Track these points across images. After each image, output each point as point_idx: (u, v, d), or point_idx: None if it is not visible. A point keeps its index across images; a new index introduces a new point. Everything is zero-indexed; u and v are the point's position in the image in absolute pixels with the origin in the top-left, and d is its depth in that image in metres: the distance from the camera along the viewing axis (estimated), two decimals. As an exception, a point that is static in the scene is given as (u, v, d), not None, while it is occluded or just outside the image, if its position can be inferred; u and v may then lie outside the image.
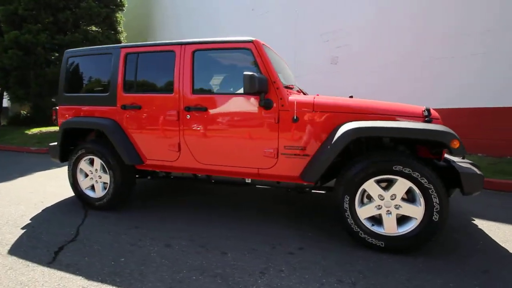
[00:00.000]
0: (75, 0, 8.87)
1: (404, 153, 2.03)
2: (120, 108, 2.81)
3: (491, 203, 3.17)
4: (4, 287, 1.72)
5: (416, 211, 1.99)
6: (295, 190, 2.58)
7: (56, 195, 3.54)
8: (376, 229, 2.10)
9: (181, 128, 2.62)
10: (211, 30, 8.74)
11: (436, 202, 1.92)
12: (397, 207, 2.04)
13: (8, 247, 2.21)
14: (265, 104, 2.31)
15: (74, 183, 3.06)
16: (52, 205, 3.19)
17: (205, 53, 2.58)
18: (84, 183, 3.05)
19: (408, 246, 2.02)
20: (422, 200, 1.96)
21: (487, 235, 2.39)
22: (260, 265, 1.94)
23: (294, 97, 2.39)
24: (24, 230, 2.53)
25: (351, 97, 2.65)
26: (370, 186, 2.07)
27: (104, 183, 2.97)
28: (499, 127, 4.75)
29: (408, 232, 2.01)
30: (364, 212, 2.10)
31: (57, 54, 9.26)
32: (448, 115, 4.19)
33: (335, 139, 2.07)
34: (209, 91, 2.60)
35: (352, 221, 2.11)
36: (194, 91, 2.57)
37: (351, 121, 2.19)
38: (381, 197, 2.06)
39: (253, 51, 2.40)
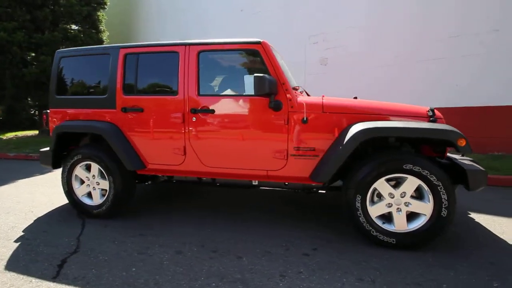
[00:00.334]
0: (54, -3, 8.46)
1: (413, 152, 2.10)
2: (120, 111, 2.70)
3: (482, 198, 3.35)
4: (8, 306, 1.60)
5: (425, 208, 2.06)
6: (303, 190, 2.60)
7: (46, 204, 3.34)
8: (387, 226, 2.15)
9: (186, 131, 2.56)
10: (199, 31, 8.62)
11: (444, 199, 2.00)
12: (407, 204, 2.11)
13: (4, 262, 2.05)
14: (275, 106, 2.31)
15: (69, 191, 2.90)
16: (44, 215, 3.00)
17: (211, 54, 2.54)
18: (80, 191, 2.89)
19: (418, 242, 2.09)
20: (431, 197, 2.04)
21: (485, 228, 2.52)
22: (278, 268, 1.93)
23: (303, 98, 2.41)
24: (19, 243, 2.36)
25: (355, 98, 2.71)
26: (381, 185, 2.12)
27: (102, 189, 2.83)
28: (482, 125, 5.05)
29: (418, 228, 2.08)
30: (375, 211, 2.15)
31: (33, 54, 8.76)
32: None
33: (346, 139, 2.11)
34: (216, 93, 2.55)
35: (364, 220, 2.15)
36: (200, 93, 2.52)
37: (359, 122, 2.24)
38: (391, 195, 2.12)
39: (261, 52, 2.39)
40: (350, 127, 2.19)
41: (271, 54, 2.38)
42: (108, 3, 9.84)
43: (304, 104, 2.31)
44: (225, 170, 2.55)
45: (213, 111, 2.48)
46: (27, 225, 2.72)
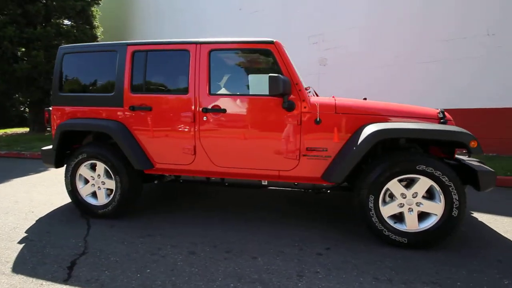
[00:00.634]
0: (47, -9, 8.22)
1: (425, 154, 2.14)
2: (128, 109, 2.65)
3: (480, 197, 3.44)
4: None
5: (437, 208, 2.11)
6: (312, 191, 2.61)
7: (45, 204, 3.25)
8: (398, 226, 2.18)
9: (196, 130, 2.53)
10: (197, 30, 8.53)
11: (455, 199, 2.04)
12: (418, 204, 2.14)
13: (10, 265, 1.98)
14: (288, 106, 2.31)
15: (73, 190, 2.82)
16: (45, 215, 2.91)
17: (223, 53, 2.52)
18: (84, 190, 2.82)
19: (429, 241, 2.13)
20: (442, 197, 2.08)
21: (488, 227, 2.59)
22: (294, 267, 1.94)
23: (315, 99, 2.42)
24: (23, 244, 2.29)
25: (365, 99, 2.74)
26: (394, 185, 2.15)
27: (108, 189, 2.77)
28: (476, 126, 5.19)
29: (429, 228, 2.12)
30: (387, 211, 2.18)
31: (24, 49, 8.49)
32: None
33: (361, 140, 2.13)
34: (228, 92, 2.53)
35: (377, 220, 2.17)
36: (211, 92, 2.49)
37: (371, 123, 2.26)
38: (404, 196, 2.15)
39: (274, 52, 2.38)
40: (364, 128, 2.21)
41: (284, 54, 2.38)
42: (103, -1, 9.64)
43: (318, 105, 2.32)
44: (235, 170, 2.53)
45: (224, 110, 2.46)
46: (29, 226, 2.64)
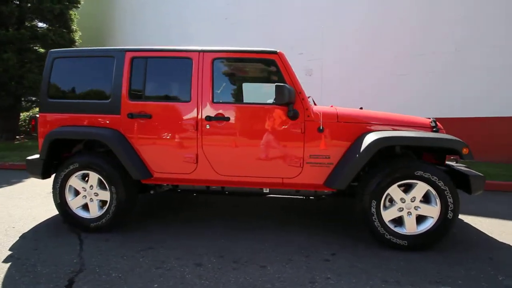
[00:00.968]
0: (22, -9, 7.77)
1: (422, 160, 2.28)
2: (126, 117, 2.55)
3: (462, 200, 3.69)
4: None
5: (433, 211, 2.24)
6: (314, 197, 2.66)
7: (26, 218, 3.00)
8: (398, 229, 2.28)
9: (199, 139, 2.49)
10: (181, 36, 8.48)
11: (450, 202, 2.19)
12: (416, 208, 2.26)
13: (-1, 286, 1.80)
14: (293, 115, 2.36)
15: (62, 203, 2.63)
16: (29, 231, 2.69)
17: (226, 61, 2.53)
18: (74, 202, 2.65)
19: (427, 242, 2.24)
20: (438, 201, 2.22)
21: (474, 228, 2.79)
22: (305, 274, 1.95)
23: (317, 108, 2.50)
24: (9, 263, 2.09)
25: (361, 108, 2.87)
26: (394, 190, 2.26)
27: (101, 201, 2.63)
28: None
29: (427, 230, 2.24)
30: (388, 215, 2.28)
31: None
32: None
33: (363, 147, 2.22)
34: (231, 101, 2.54)
35: (379, 224, 2.26)
36: (215, 100, 2.49)
37: (371, 131, 2.38)
38: (403, 200, 2.27)
39: (277, 62, 2.44)
40: (364, 136, 2.31)
41: (287, 64, 2.45)
42: (82, 2, 9.28)
43: (321, 114, 2.40)
44: (238, 178, 2.52)
45: (228, 118, 2.46)
46: (12, 243, 2.42)
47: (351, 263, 2.10)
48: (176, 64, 2.56)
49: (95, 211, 2.62)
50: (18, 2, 7.75)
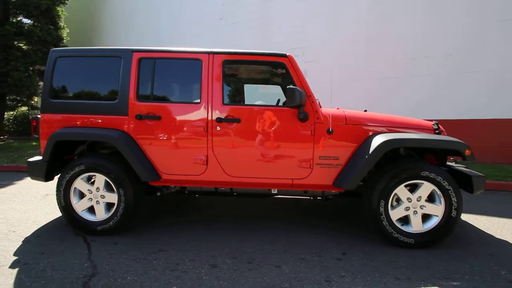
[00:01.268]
0: (7, -13, 7.45)
1: (427, 161, 2.38)
2: (135, 118, 2.52)
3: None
4: None
5: (438, 210, 2.33)
6: (321, 197, 2.72)
7: (26, 222, 2.91)
8: (405, 228, 2.37)
9: (209, 140, 2.50)
10: (174, 35, 8.39)
11: (454, 201, 2.29)
12: (422, 207, 2.36)
13: (10, 294, 1.75)
14: (304, 117, 2.41)
15: (67, 206, 2.57)
16: (31, 235, 2.61)
17: (236, 63, 2.55)
18: (79, 205, 2.59)
19: (433, 240, 2.34)
20: (442, 200, 2.32)
21: (471, 225, 2.92)
22: (320, 273, 1.99)
23: (326, 110, 2.55)
24: (17, 268, 2.03)
25: (365, 111, 2.95)
26: (401, 190, 2.34)
27: (108, 203, 2.58)
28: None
29: (432, 228, 2.33)
30: (395, 214, 2.36)
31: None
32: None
33: (373, 149, 2.29)
34: (242, 102, 2.55)
35: (387, 223, 2.34)
36: (225, 102, 2.49)
37: (378, 133, 2.45)
38: (409, 200, 2.35)
39: (287, 66, 2.48)
40: (373, 138, 2.39)
41: (297, 67, 2.49)
42: (69, -1, 9.03)
43: (330, 116, 2.45)
44: (249, 180, 2.54)
45: (239, 120, 2.47)
46: (16, 248, 2.34)
47: (363, 262, 2.16)
48: (186, 66, 2.55)
49: (101, 214, 2.57)
50: (4, -3, 7.44)
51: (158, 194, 2.84)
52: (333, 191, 2.59)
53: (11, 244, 2.41)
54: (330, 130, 2.45)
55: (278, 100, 3.21)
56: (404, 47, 6.31)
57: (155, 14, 9.06)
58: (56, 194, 2.58)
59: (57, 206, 3.37)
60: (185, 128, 2.52)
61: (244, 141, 2.49)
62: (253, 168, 2.51)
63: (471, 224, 2.95)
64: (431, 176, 2.28)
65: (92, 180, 2.63)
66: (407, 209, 2.36)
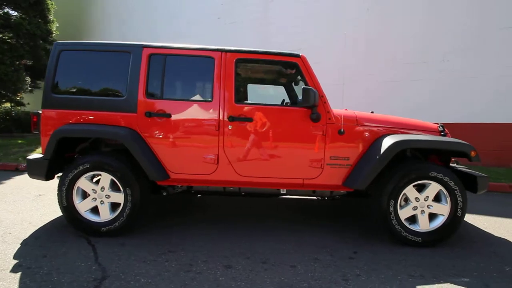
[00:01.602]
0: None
1: (433, 162, 2.45)
2: (144, 115, 2.45)
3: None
4: None
5: (444, 209, 2.40)
6: (328, 197, 2.74)
7: (21, 223, 2.76)
8: (413, 227, 2.43)
9: (221, 139, 2.46)
10: (172, 33, 8.26)
11: (460, 200, 2.37)
12: (429, 207, 2.42)
13: (17, 298, 1.64)
14: (317, 117, 2.42)
15: (69, 206, 2.46)
16: (29, 237, 2.48)
17: (248, 62, 2.53)
18: (83, 206, 2.48)
19: (439, 239, 2.41)
20: (448, 199, 2.39)
21: (471, 225, 3.03)
22: (336, 272, 2.00)
23: (338, 111, 2.58)
24: (19, 272, 1.92)
25: (372, 112, 3.00)
26: (410, 190, 2.40)
27: (113, 203, 2.49)
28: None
29: (439, 227, 2.40)
30: (403, 214, 2.41)
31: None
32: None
33: (384, 150, 2.33)
34: (254, 102, 2.54)
35: (396, 222, 2.39)
36: (237, 101, 2.47)
37: (387, 134, 2.51)
38: (417, 199, 2.41)
39: (300, 66, 2.49)
40: (383, 139, 2.43)
41: (309, 67, 2.50)
42: (60, -8, 8.72)
43: (342, 117, 2.48)
44: (259, 179, 2.53)
45: (251, 119, 2.46)
46: (15, 251, 2.21)
47: (374, 260, 2.19)
48: (197, 63, 2.51)
49: (106, 214, 2.47)
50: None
51: (164, 194, 2.77)
52: (342, 191, 2.62)
53: (8, 247, 2.28)
54: (342, 130, 2.48)
55: (283, 101, 3.23)
56: (404, 48, 6.45)
57: (152, 11, 8.89)
58: (58, 194, 2.46)
59: (52, 207, 3.26)
60: (195, 127, 2.47)
61: (255, 141, 2.48)
62: (264, 168, 2.50)
63: (470, 224, 3.05)
64: (438, 177, 2.35)
65: (96, 179, 2.53)
66: (415, 208, 2.42)
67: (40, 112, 2.56)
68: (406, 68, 6.46)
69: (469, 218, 3.22)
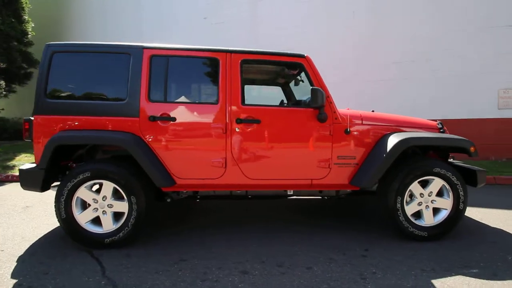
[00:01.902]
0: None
1: (436, 158, 2.53)
2: (147, 119, 2.35)
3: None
4: None
5: (447, 203, 2.50)
6: (335, 196, 2.76)
7: (13, 239, 2.57)
8: (418, 222, 2.50)
9: (228, 142, 2.42)
10: (158, 32, 8.04)
11: (461, 195, 2.47)
12: (433, 201, 2.50)
13: (24, 322, 1.52)
14: (324, 118, 2.43)
15: (68, 218, 2.31)
16: (24, 253, 2.31)
17: (253, 63, 2.50)
18: (83, 217, 2.34)
19: (443, 232, 2.49)
20: (451, 194, 2.48)
21: (467, 217, 3.17)
22: (352, 271, 2.02)
23: (342, 111, 2.60)
24: (21, 293, 1.77)
25: (372, 111, 3.06)
26: (415, 186, 2.46)
27: (116, 213, 2.38)
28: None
29: (442, 221, 2.49)
30: (410, 209, 2.48)
31: None
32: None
33: (390, 148, 2.38)
34: (260, 103, 2.50)
35: (403, 219, 2.45)
36: (244, 103, 2.43)
37: (391, 133, 2.56)
38: (422, 195, 2.49)
39: (305, 66, 2.49)
40: (388, 137, 2.49)
41: (315, 68, 2.51)
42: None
43: (348, 116, 2.51)
44: (268, 182, 2.50)
45: (259, 121, 2.43)
46: (12, 269, 2.05)
47: (386, 257, 2.23)
48: (201, 64, 2.45)
49: (109, 225, 2.35)
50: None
51: (168, 200, 2.68)
52: (348, 190, 2.65)
53: (3, 265, 2.11)
54: (348, 130, 2.51)
55: (282, 101, 3.22)
56: (396, 50, 6.64)
57: (137, 10, 8.61)
58: (55, 206, 2.31)
59: (43, 219, 3.06)
60: (202, 130, 2.41)
61: (264, 142, 2.45)
62: (273, 170, 2.48)
63: (466, 215, 3.19)
64: (442, 172, 2.43)
65: (96, 188, 2.40)
66: (420, 204, 2.49)
67: (32, 118, 2.39)
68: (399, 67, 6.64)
69: (464, 210, 3.37)
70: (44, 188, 2.37)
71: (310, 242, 2.49)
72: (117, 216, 2.39)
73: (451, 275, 1.97)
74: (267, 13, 7.58)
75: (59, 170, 2.50)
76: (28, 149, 7.53)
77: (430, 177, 2.46)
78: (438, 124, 2.80)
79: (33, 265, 2.11)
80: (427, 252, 2.31)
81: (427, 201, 2.49)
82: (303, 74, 2.82)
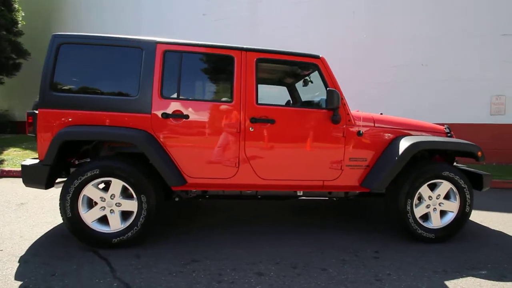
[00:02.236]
0: None
1: (445, 162, 2.58)
2: (159, 116, 2.29)
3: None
4: None
5: (454, 206, 2.55)
6: (343, 198, 2.78)
7: (11, 238, 2.45)
8: (426, 224, 2.54)
9: (242, 141, 2.38)
10: (157, 28, 7.86)
11: (468, 198, 2.53)
12: (440, 204, 2.55)
13: (37, 326, 1.44)
14: (338, 119, 2.43)
15: (74, 217, 2.22)
16: (25, 253, 2.20)
17: (267, 62, 2.47)
18: (90, 215, 2.26)
19: (450, 234, 2.54)
20: (458, 197, 2.54)
21: (469, 219, 3.24)
22: (367, 273, 2.03)
23: (355, 112, 2.61)
24: (29, 295, 1.68)
25: (381, 114, 3.09)
26: (424, 189, 2.50)
27: (124, 212, 2.30)
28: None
29: (449, 223, 2.54)
30: (418, 212, 2.51)
31: None
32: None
33: (402, 151, 2.41)
34: (275, 103, 2.48)
35: (412, 221, 2.48)
36: (259, 102, 2.40)
37: (402, 136, 2.59)
38: (430, 198, 2.53)
39: (320, 67, 2.48)
40: (399, 140, 2.51)
41: (329, 68, 2.51)
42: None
43: (362, 118, 2.52)
44: (280, 182, 2.48)
45: (273, 121, 2.40)
46: (14, 270, 1.95)
47: (398, 259, 2.25)
48: (216, 61, 2.40)
49: (117, 224, 2.27)
50: None
51: (176, 199, 2.62)
52: (357, 191, 2.67)
53: (5, 266, 2.00)
54: (361, 132, 2.52)
55: (288, 101, 3.21)
56: (396, 53, 6.73)
57: (138, 4, 8.40)
58: (60, 204, 2.21)
59: (41, 217, 2.94)
60: (215, 129, 2.36)
61: (278, 143, 2.43)
62: (286, 170, 2.46)
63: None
64: (450, 176, 2.48)
65: (103, 186, 2.32)
66: (428, 206, 2.54)
67: (37, 112, 2.28)
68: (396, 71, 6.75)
69: (464, 213, 3.46)
70: (48, 185, 2.26)
71: (320, 243, 2.49)
72: (124, 215, 2.31)
73: (462, 277, 2.01)
74: (267, 13, 7.55)
75: (62, 166, 2.40)
76: (16, 143, 7.23)
77: (439, 180, 2.51)
78: (445, 128, 2.86)
79: (37, 266, 2.01)
80: (435, 254, 2.35)
81: (435, 204, 2.54)
82: (312, 74, 2.84)
